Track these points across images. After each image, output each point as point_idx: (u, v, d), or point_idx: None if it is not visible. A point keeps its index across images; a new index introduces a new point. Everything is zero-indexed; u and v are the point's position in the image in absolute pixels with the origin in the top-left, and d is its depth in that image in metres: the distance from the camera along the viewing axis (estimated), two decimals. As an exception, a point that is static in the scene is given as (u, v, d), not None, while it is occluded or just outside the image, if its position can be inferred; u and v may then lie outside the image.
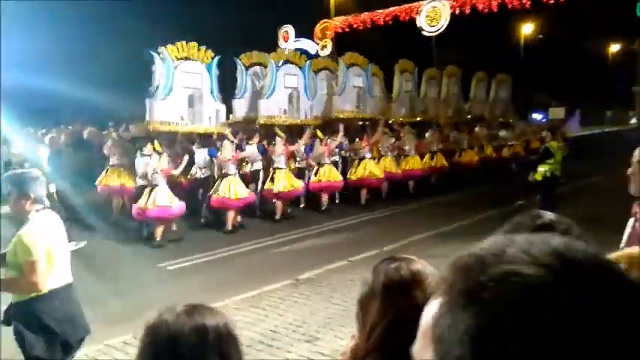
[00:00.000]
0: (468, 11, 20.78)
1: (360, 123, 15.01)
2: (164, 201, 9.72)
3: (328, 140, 12.97)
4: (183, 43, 11.18)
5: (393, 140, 14.63)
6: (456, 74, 18.95)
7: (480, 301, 0.51)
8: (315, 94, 13.60)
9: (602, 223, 5.72)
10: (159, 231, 9.76)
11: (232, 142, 11.37)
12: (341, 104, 13.97)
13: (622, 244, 2.86)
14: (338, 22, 25.68)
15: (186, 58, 11.21)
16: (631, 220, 2.87)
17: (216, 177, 11.09)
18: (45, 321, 3.53)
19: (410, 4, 22.37)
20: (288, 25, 28.32)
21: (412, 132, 15.33)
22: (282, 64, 12.70)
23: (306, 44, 27.81)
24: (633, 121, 42.12)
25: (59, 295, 3.61)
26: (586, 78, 49.08)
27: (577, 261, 0.53)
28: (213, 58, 11.61)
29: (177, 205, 9.96)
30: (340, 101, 13.99)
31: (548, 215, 1.85)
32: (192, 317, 1.47)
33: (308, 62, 13.32)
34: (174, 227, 10.20)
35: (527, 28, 37.99)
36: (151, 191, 9.79)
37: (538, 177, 10.22)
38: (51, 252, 3.52)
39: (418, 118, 16.64)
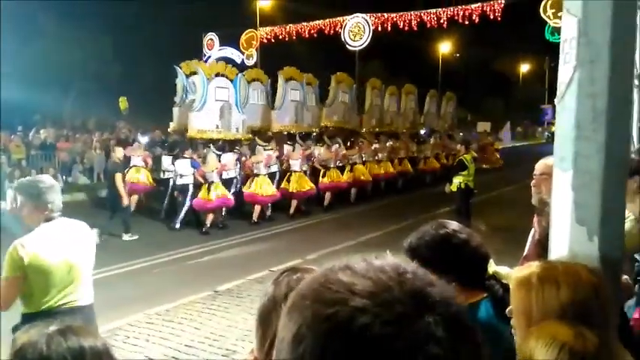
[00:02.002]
0: (389, 28, 21.46)
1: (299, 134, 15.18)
2: (222, 193, 11.43)
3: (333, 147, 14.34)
4: (215, 61, 12.92)
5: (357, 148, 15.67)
6: (413, 92, 20.46)
7: (317, 335, 0.53)
8: (245, 106, 13.58)
9: (514, 232, 5.99)
10: (210, 219, 11.28)
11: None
12: (280, 118, 14.42)
13: (525, 253, 3.00)
14: (264, 33, 25.66)
15: (217, 75, 12.55)
16: (532, 231, 3.02)
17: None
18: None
19: (334, 19, 22.77)
20: (212, 34, 27.96)
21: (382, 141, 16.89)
22: (215, 77, 12.57)
23: (231, 53, 27.56)
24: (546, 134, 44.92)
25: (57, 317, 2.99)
26: (499, 95, 52.04)
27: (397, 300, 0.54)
28: (237, 75, 13.00)
29: (231, 198, 11.75)
30: (280, 115, 14.41)
31: (451, 225, 1.90)
32: (67, 338, 1.35)
33: (239, 75, 13.28)
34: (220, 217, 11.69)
35: (444, 47, 39.67)
36: (209, 187, 11.30)
37: (453, 188, 10.60)
38: (47, 268, 3.12)
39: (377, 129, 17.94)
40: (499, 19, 20.07)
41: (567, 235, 1.74)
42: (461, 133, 23.93)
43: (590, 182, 1.68)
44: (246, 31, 26.35)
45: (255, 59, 26.03)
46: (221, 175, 11.71)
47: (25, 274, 3.08)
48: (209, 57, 29.70)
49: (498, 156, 25.54)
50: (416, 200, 15.52)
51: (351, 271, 0.57)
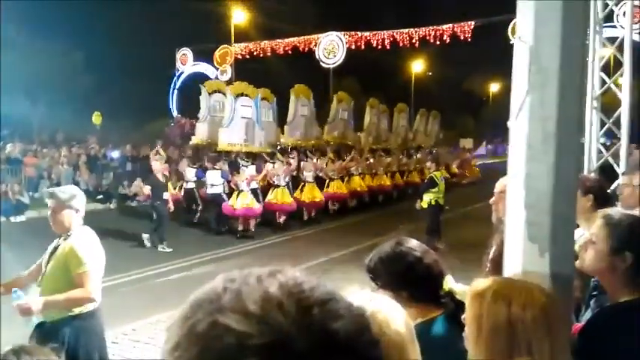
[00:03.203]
0: (363, 46, 21.80)
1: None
2: (248, 202, 12.16)
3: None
4: (240, 81, 14.20)
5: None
6: (405, 110, 21.47)
7: (190, 353, 0.51)
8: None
9: (482, 247, 6.08)
10: (240, 225, 12.18)
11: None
12: (290, 132, 16.01)
13: (486, 270, 3.06)
14: (238, 49, 25.75)
15: (242, 94, 13.73)
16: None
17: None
18: (102, 336, 3.48)
19: (309, 37, 23.03)
20: (186, 49, 27.93)
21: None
22: (240, 96, 13.85)
23: (204, 68, 27.54)
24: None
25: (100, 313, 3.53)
26: (470, 113, 53.01)
27: (284, 312, 0.51)
28: (257, 94, 14.15)
29: (257, 206, 12.45)
30: (290, 129, 15.96)
31: (408, 243, 1.95)
32: (20, 358, 1.36)
33: (258, 95, 14.46)
34: (252, 225, 12.37)
35: (417, 66, 40.34)
36: (238, 195, 12.24)
37: (424, 205, 10.73)
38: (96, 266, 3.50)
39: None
40: (469, 39, 20.59)
41: (520, 252, 1.81)
42: (434, 150, 24.30)
43: (541, 201, 1.75)
44: (221, 47, 26.42)
45: (229, 75, 26.06)
46: (249, 185, 12.67)
47: (92, 268, 3.46)
48: (182, 72, 29.66)
49: (477, 170, 26.13)
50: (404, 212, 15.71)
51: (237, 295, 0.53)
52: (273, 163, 13.71)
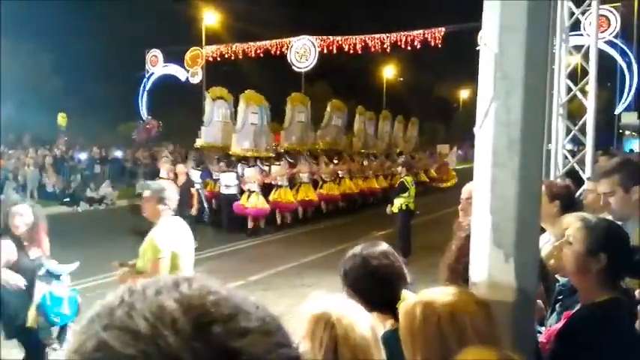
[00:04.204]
0: (334, 51, 21.87)
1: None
2: (257, 203, 13.03)
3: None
4: (251, 91, 15.15)
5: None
6: (388, 117, 22.21)
7: None
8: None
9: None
10: (250, 224, 12.98)
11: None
12: (287, 137, 16.59)
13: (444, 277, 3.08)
14: (209, 51, 25.54)
15: (251, 102, 14.82)
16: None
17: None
18: None
19: (281, 40, 22.99)
20: (156, 50, 27.58)
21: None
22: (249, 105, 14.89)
23: (175, 70, 27.25)
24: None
25: None
26: (441, 119, 53.66)
27: (169, 328, 0.47)
28: (264, 102, 15.32)
29: (267, 206, 13.34)
30: (286, 134, 16.61)
31: (373, 247, 1.95)
32: None
33: (264, 103, 15.49)
34: (262, 224, 13.26)
35: (388, 71, 40.68)
36: (249, 196, 13.12)
37: (395, 209, 10.72)
38: (177, 254, 3.88)
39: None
40: (439, 45, 20.85)
41: (486, 258, 1.81)
42: (406, 155, 24.70)
43: (506, 207, 1.76)
44: (192, 49, 26.16)
45: (200, 77, 25.82)
46: (261, 186, 13.63)
47: (163, 256, 3.86)
48: (152, 74, 29.27)
49: (454, 173, 26.54)
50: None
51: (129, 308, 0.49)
52: (279, 165, 14.86)
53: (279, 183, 14.26)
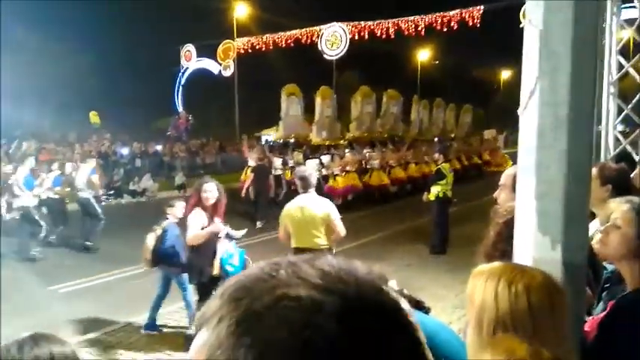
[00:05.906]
0: (366, 36, 21.59)
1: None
2: (350, 181, 14.92)
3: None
4: (325, 87, 17.71)
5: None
6: (441, 105, 23.71)
7: (256, 329, 0.48)
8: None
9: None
10: (339, 200, 13.99)
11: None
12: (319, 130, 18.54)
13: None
14: (241, 43, 25.63)
15: (325, 97, 17.35)
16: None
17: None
18: None
19: (311, 29, 22.85)
20: (189, 45, 27.87)
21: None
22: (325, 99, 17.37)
23: (208, 64, 27.50)
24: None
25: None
26: (480, 102, 52.43)
27: (344, 282, 0.51)
28: (333, 95, 17.70)
29: (357, 184, 15.12)
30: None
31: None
32: (38, 344, 1.41)
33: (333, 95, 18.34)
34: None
35: (423, 55, 39.99)
36: (335, 178, 14.85)
37: (431, 197, 10.47)
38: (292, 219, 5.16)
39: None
40: (478, 25, 20.23)
41: (531, 243, 1.74)
42: (444, 141, 24.55)
43: (552, 190, 1.68)
44: (223, 42, 26.32)
45: (232, 70, 25.98)
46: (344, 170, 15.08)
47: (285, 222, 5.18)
48: (186, 69, 29.63)
49: (507, 157, 26.20)
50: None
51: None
52: (351, 152, 16.33)
53: (348, 169, 15.32)
